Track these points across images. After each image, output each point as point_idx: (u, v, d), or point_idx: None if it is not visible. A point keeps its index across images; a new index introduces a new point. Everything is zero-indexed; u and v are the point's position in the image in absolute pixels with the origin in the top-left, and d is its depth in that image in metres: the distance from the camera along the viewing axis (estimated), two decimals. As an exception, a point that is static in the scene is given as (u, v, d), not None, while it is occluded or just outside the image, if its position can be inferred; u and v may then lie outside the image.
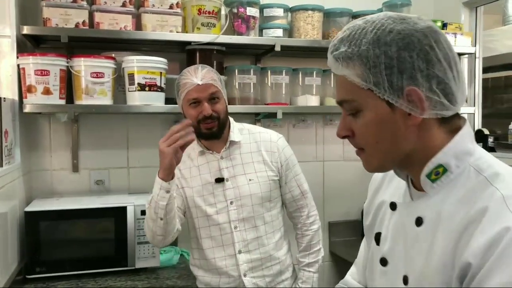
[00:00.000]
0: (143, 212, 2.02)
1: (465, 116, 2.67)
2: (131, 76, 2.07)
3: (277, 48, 2.26)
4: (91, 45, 2.22)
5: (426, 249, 0.83)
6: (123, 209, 2.01)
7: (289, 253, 1.90)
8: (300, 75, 2.49)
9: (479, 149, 0.86)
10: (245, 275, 1.75)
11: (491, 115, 3.21)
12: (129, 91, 2.10)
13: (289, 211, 1.89)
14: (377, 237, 0.98)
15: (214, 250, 1.77)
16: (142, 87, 2.07)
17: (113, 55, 2.13)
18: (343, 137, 0.89)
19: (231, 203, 1.75)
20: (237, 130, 1.81)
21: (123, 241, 2.01)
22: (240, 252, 1.75)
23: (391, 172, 0.99)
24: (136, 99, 2.09)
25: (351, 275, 1.21)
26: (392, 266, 0.92)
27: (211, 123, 1.70)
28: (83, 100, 2.03)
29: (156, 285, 1.92)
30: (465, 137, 0.84)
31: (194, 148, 1.81)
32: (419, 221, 0.85)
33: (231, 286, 1.77)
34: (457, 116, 0.86)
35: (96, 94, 2.03)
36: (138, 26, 2.16)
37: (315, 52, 2.53)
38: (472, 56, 2.67)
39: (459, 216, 0.79)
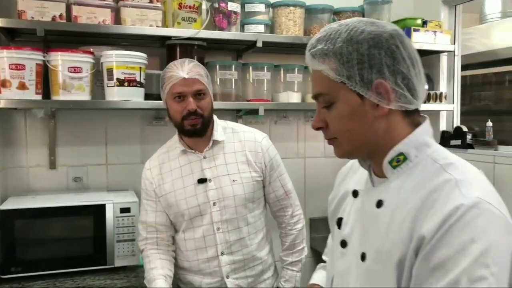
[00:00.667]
0: (122, 210, 1.99)
1: (444, 113, 2.72)
2: (110, 71, 2.03)
3: (259, 44, 2.24)
4: (68, 39, 2.17)
5: (384, 228, 0.91)
6: (102, 207, 1.97)
7: (271, 253, 1.89)
8: (282, 71, 2.47)
9: (436, 144, 0.96)
10: (227, 277, 1.73)
11: (469, 113, 3.25)
12: (107, 86, 2.05)
13: (273, 210, 1.88)
14: (339, 222, 1.07)
15: (197, 252, 1.74)
16: (121, 83, 2.03)
17: (91, 49, 2.09)
18: (317, 129, 0.98)
19: (214, 204, 1.71)
20: (221, 129, 1.78)
21: (101, 239, 1.97)
22: (222, 253, 1.73)
23: (356, 165, 1.10)
24: (115, 94, 2.05)
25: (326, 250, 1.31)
26: (351, 247, 1.01)
27: (195, 120, 1.66)
28: (60, 96, 1.98)
29: (136, 283, 1.89)
30: (425, 131, 0.95)
31: (176, 147, 1.78)
32: (379, 204, 0.95)
33: (213, 286, 1.75)
34: (418, 113, 0.97)
35: (73, 89, 1.98)
36: (117, 20, 2.12)
37: (297, 49, 2.52)
38: (451, 53, 2.70)
39: (415, 197, 0.88)
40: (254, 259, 1.79)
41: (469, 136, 2.50)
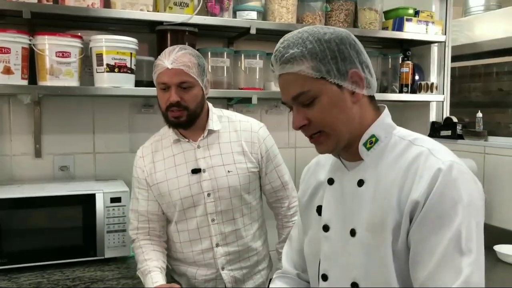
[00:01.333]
0: (112, 200, 1.94)
1: (434, 103, 2.72)
2: (100, 57, 1.96)
3: (253, 31, 2.19)
4: (54, 23, 2.08)
5: (370, 202, 1.01)
6: (92, 197, 1.91)
7: (266, 243, 1.87)
8: (274, 59, 2.43)
9: (396, 125, 1.09)
10: (223, 269, 1.70)
11: (458, 104, 3.28)
12: (97, 72, 1.99)
13: (269, 202, 1.85)
14: (319, 209, 1.13)
15: (191, 243, 1.70)
16: (111, 68, 1.96)
17: (79, 34, 2.01)
18: (300, 128, 1.03)
19: (208, 195, 1.67)
20: (216, 118, 1.73)
21: (91, 230, 1.92)
22: (217, 245, 1.69)
23: (322, 160, 1.20)
24: (105, 80, 1.98)
25: (286, 259, 1.34)
26: (334, 229, 1.08)
27: (178, 112, 1.59)
28: (47, 81, 1.90)
29: (128, 275, 1.84)
30: (387, 115, 1.08)
31: (169, 135, 1.73)
32: (360, 182, 1.04)
33: (208, 278, 1.72)
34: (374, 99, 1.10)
35: (62, 75, 1.91)
36: (106, 3, 2.04)
37: (289, 37, 2.48)
38: (442, 44, 2.70)
39: (394, 170, 0.99)
40: (249, 250, 1.76)
41: (459, 127, 2.52)
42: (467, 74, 3.54)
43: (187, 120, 1.62)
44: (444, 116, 2.70)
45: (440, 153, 0.97)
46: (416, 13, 2.58)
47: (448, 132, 2.54)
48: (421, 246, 0.93)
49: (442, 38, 2.62)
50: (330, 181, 1.12)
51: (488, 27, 3.27)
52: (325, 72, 0.99)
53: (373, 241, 0.99)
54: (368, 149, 1.04)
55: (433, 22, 2.59)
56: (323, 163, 1.20)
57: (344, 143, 1.04)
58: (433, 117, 2.75)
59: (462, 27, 3.41)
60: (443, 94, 2.70)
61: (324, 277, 1.11)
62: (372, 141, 1.04)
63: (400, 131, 1.07)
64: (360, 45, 1.06)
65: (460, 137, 2.50)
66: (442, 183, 0.91)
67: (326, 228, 1.10)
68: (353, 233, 1.03)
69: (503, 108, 3.40)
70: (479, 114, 2.49)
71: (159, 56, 1.63)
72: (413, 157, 0.98)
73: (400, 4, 2.67)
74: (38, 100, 2.12)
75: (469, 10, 3.86)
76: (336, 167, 1.12)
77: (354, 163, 1.08)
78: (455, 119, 2.57)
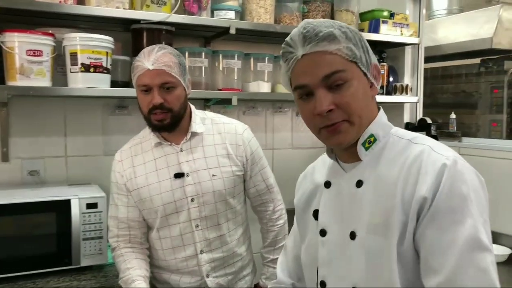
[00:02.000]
0: (89, 206, 1.85)
1: (408, 105, 2.76)
2: (74, 56, 1.87)
3: (232, 31, 2.15)
4: (23, 19, 1.97)
5: (370, 203, 0.97)
6: (67, 203, 1.82)
7: (250, 248, 1.83)
8: (252, 60, 2.40)
9: (392, 125, 1.07)
10: (207, 276, 1.65)
11: (431, 105, 3.35)
12: (71, 72, 1.89)
13: (253, 205, 1.81)
14: (315, 213, 1.09)
15: (174, 250, 1.64)
16: (86, 68, 1.87)
17: (50, 31, 1.91)
18: (328, 112, 0.96)
19: (192, 200, 1.62)
20: (199, 120, 1.68)
21: (66, 238, 1.82)
22: (202, 252, 1.64)
23: (318, 165, 1.18)
24: (79, 81, 1.89)
25: (281, 269, 1.30)
26: (332, 233, 1.04)
27: (161, 114, 1.53)
28: (17, 81, 1.80)
29: (106, 283, 1.77)
30: (383, 114, 1.05)
31: (150, 138, 1.67)
32: (359, 183, 1.00)
33: (192, 286, 1.66)
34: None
35: (33, 74, 1.81)
36: (81, 0, 1.95)
37: (267, 37, 2.46)
38: (415, 46, 2.74)
39: (395, 169, 0.96)
40: (234, 256, 1.72)
41: (433, 128, 2.56)
42: (438, 75, 3.62)
43: (171, 123, 1.57)
44: (418, 117, 2.74)
45: (442, 149, 0.95)
46: (391, 15, 2.60)
47: (423, 134, 2.57)
48: (433, 246, 0.88)
49: (416, 40, 2.66)
50: (327, 184, 1.08)
51: (451, 30, 3.36)
52: (358, 56, 0.97)
53: (375, 242, 0.95)
54: (367, 149, 1.01)
55: (407, 25, 2.63)
56: (319, 168, 1.17)
57: (359, 137, 1.01)
58: (407, 118, 2.79)
59: (426, 29, 3.49)
60: (417, 95, 2.75)
61: (323, 284, 1.06)
62: (371, 141, 1.02)
63: (398, 130, 1.05)
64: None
65: (435, 138, 2.54)
66: (449, 177, 0.89)
67: (323, 232, 1.06)
68: (353, 236, 0.99)
69: (470, 109, 3.50)
70: (453, 115, 2.54)
71: (137, 57, 1.56)
72: (415, 155, 0.95)
73: (375, 6, 2.69)
74: (6, 101, 2.00)
75: (433, 13, 3.96)
76: (333, 169, 1.09)
77: (351, 164, 1.04)
78: (429, 120, 2.62)
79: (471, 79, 3.49)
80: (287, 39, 1.00)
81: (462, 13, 3.75)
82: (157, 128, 1.59)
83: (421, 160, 0.93)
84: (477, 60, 3.47)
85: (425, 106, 2.88)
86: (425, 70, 2.99)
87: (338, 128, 0.97)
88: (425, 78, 2.94)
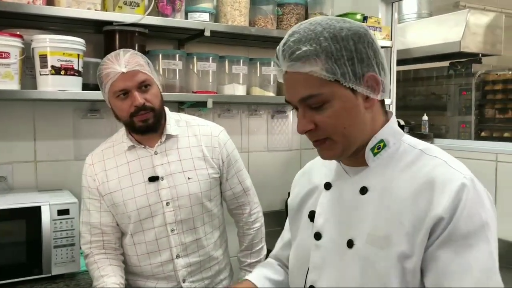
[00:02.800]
0: (60, 212, 1.79)
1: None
2: (43, 58, 1.81)
3: (207, 33, 2.13)
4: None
5: (373, 212, 0.92)
6: (37, 210, 1.76)
7: (227, 251, 1.81)
8: (227, 63, 2.39)
9: (404, 133, 1.02)
10: (184, 281, 1.62)
11: (403, 107, 3.40)
12: (40, 74, 1.83)
13: (229, 208, 1.79)
14: (311, 215, 1.05)
15: (149, 256, 1.60)
16: (56, 71, 1.82)
17: (18, 32, 1.85)
18: (305, 132, 0.94)
19: (167, 204, 1.58)
20: (174, 122, 1.65)
21: (36, 246, 1.76)
22: (178, 256, 1.61)
23: (317, 163, 1.13)
24: (49, 84, 1.83)
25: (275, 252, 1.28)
26: (327, 237, 0.99)
27: (145, 114, 1.51)
28: (-17, 84, 1.73)
29: (79, 292, 1.72)
30: (394, 120, 1.00)
31: (122, 142, 1.63)
32: (363, 190, 0.95)
33: (169, 292, 1.63)
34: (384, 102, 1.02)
35: (0, 77, 1.74)
36: (49, 0, 1.90)
37: (242, 40, 2.45)
38: (388, 49, 2.78)
39: (406, 181, 0.91)
40: (210, 260, 1.70)
41: (406, 130, 2.60)
42: (410, 78, 3.68)
43: (155, 122, 1.55)
44: (391, 119, 2.77)
45: (458, 165, 0.91)
46: (365, 18, 2.63)
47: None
48: (447, 269, 0.84)
49: (388, 43, 2.70)
50: (327, 186, 1.04)
51: (420, 34, 3.43)
52: (339, 74, 0.90)
53: (373, 255, 0.90)
54: (375, 154, 0.97)
55: (380, 28, 2.66)
56: (319, 167, 1.12)
57: (352, 151, 0.96)
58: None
59: (396, 33, 3.55)
60: (390, 98, 2.78)
61: None
62: (380, 146, 0.96)
63: (409, 138, 1.00)
64: (377, 43, 0.96)
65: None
66: (469, 200, 0.85)
67: (318, 236, 1.01)
68: (350, 244, 0.94)
69: (440, 111, 3.58)
70: (425, 117, 2.59)
71: (102, 65, 1.52)
72: (429, 169, 0.90)
73: (348, 9, 2.72)
74: (-29, 105, 1.93)
75: (402, 17, 4.03)
76: (336, 171, 1.04)
77: (356, 168, 0.99)
78: (402, 122, 2.66)
79: (441, 81, 3.56)
80: (278, 47, 0.95)
81: (431, 17, 3.84)
82: (142, 131, 1.56)
83: (436, 175, 0.88)
84: (446, 63, 3.55)
85: (397, 108, 2.92)
86: (398, 72, 3.04)
87: (322, 145, 0.96)
88: (398, 81, 2.99)
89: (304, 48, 0.89)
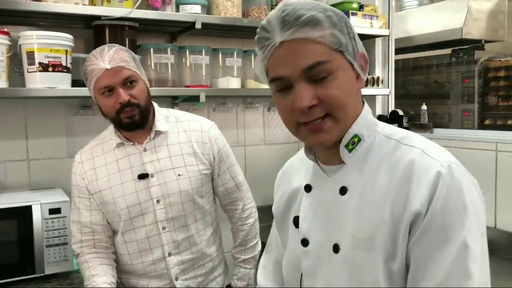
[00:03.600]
0: (51, 211, 1.78)
1: (380, 97, 2.75)
2: (31, 55, 1.78)
3: (198, 26, 2.09)
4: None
5: (355, 213, 0.88)
6: (28, 209, 1.74)
7: (221, 247, 1.78)
8: (220, 55, 2.35)
9: (379, 121, 0.96)
10: (176, 279, 1.60)
11: (402, 97, 3.35)
12: (28, 72, 1.81)
13: (222, 204, 1.76)
14: (296, 221, 1.00)
15: (141, 254, 1.58)
16: (44, 68, 1.79)
17: (5, 29, 1.82)
18: (310, 107, 0.85)
19: (158, 201, 1.56)
20: (163, 118, 1.62)
21: (28, 245, 1.75)
22: (170, 254, 1.58)
23: (295, 164, 1.09)
24: (37, 81, 1.81)
25: (263, 274, 1.19)
26: (314, 243, 0.94)
27: (131, 111, 1.48)
28: (-30, 83, 1.71)
29: (72, 292, 1.70)
30: (368, 110, 0.94)
31: (111, 139, 1.60)
32: (343, 190, 0.90)
33: (162, 289, 1.61)
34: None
35: (-13, 75, 1.72)
36: (36, -4, 1.87)
37: (235, 32, 2.41)
38: (385, 38, 2.72)
39: (384, 176, 0.86)
40: (204, 257, 1.67)
41: (405, 120, 2.55)
42: (409, 66, 3.63)
43: (142, 118, 1.52)
44: (390, 110, 2.73)
45: (435, 153, 0.85)
46: (361, 7, 2.58)
47: (395, 126, 2.56)
48: (422, 263, 0.80)
49: (386, 32, 2.64)
50: (308, 188, 0.98)
51: (422, 22, 3.37)
52: (344, 44, 0.85)
53: (359, 259, 0.86)
54: (350, 150, 0.91)
55: (377, 16, 2.60)
56: (298, 167, 1.07)
57: (340, 137, 0.90)
58: (379, 110, 2.77)
59: (397, 21, 3.50)
60: (388, 87, 2.73)
61: None
62: (355, 142, 0.90)
63: (384, 128, 0.94)
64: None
65: (407, 129, 2.54)
66: (444, 188, 0.80)
67: (305, 242, 0.96)
68: (336, 249, 0.89)
69: (442, 99, 3.52)
70: (424, 107, 2.54)
71: (87, 62, 1.49)
72: (405, 160, 0.85)
73: (343, -2, 2.66)
74: (-40, 104, 1.91)
75: (403, 5, 3.97)
76: (314, 171, 0.98)
77: (333, 167, 0.94)
78: (401, 112, 2.61)
79: (441, 69, 3.50)
80: (263, 22, 0.88)
81: (432, 4, 3.77)
82: (129, 127, 1.53)
83: (413, 167, 0.83)
84: (447, 51, 3.49)
85: (397, 97, 2.88)
86: (396, 61, 2.98)
87: (321, 127, 0.87)
88: (396, 70, 2.94)
89: (309, 14, 0.84)
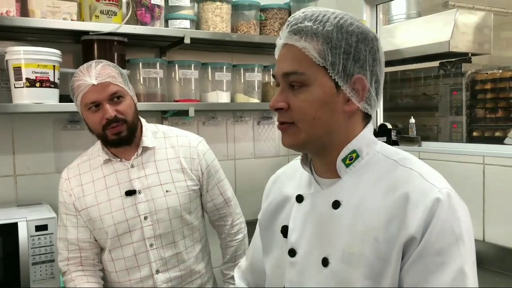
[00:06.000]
0: (38, 228, 1.75)
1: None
2: (18, 70, 1.77)
3: (187, 41, 2.09)
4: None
5: (347, 228, 0.88)
6: (14, 226, 1.71)
7: (210, 264, 1.77)
8: (210, 70, 2.35)
9: (379, 141, 0.97)
10: None
11: (391, 109, 3.37)
12: (15, 87, 1.79)
13: (211, 220, 1.75)
14: (284, 230, 0.99)
15: (129, 272, 1.57)
16: (31, 83, 1.78)
17: (-7, 45, 1.82)
18: (277, 109, 0.91)
19: (145, 218, 1.55)
20: (151, 134, 1.61)
21: (14, 263, 1.71)
22: (158, 272, 1.57)
23: (289, 171, 1.09)
24: (25, 96, 1.79)
25: (239, 275, 1.21)
26: (302, 255, 0.94)
27: (118, 127, 1.48)
28: (-44, 99, 1.69)
29: (58, 310, 1.68)
30: (370, 129, 0.95)
31: (98, 155, 1.60)
32: (336, 204, 0.90)
33: (149, 307, 1.59)
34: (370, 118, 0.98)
35: (-27, 91, 1.71)
36: (24, 11, 1.86)
37: (224, 46, 2.42)
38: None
39: (380, 195, 0.87)
40: (192, 274, 1.66)
41: (393, 133, 2.57)
42: (397, 79, 3.66)
43: (129, 134, 1.51)
44: (379, 123, 2.74)
45: (433, 178, 0.86)
46: (349, 21, 2.60)
47: (384, 139, 2.58)
48: (419, 285, 0.81)
49: (374, 46, 2.66)
50: (299, 198, 0.98)
51: (409, 35, 3.40)
52: (330, 62, 0.87)
53: (348, 274, 0.86)
54: (347, 166, 0.92)
55: (365, 31, 2.63)
56: (290, 175, 1.07)
57: (315, 148, 0.93)
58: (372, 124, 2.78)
59: (385, 34, 3.53)
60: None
61: None
62: (353, 157, 0.92)
63: (383, 147, 0.95)
64: (382, 56, 0.93)
65: (395, 143, 2.55)
66: (442, 215, 0.81)
67: (292, 252, 0.96)
68: (325, 262, 0.89)
69: (430, 111, 3.55)
70: (412, 120, 2.55)
71: (74, 77, 1.49)
72: (403, 182, 0.86)
73: (332, 12, 2.69)
74: None
75: (392, 18, 4.02)
76: (307, 182, 0.99)
77: (328, 180, 0.95)
78: (389, 126, 2.62)
79: (429, 82, 3.54)
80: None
81: (420, 17, 3.82)
82: (115, 144, 1.52)
83: (410, 190, 0.84)
84: (435, 63, 3.53)
85: (385, 110, 2.89)
86: (384, 74, 3.01)
87: (284, 130, 0.92)
88: (385, 83, 2.96)
89: (306, 24, 0.88)
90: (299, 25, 0.89)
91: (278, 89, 0.94)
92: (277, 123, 0.95)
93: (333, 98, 0.88)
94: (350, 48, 0.87)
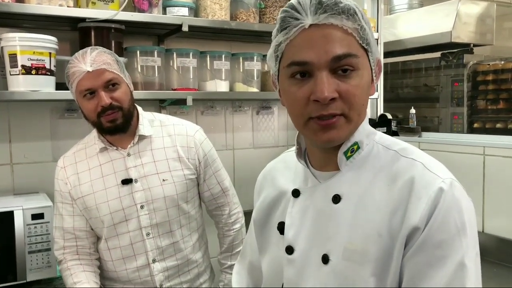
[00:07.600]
0: (34, 217, 1.74)
1: (369, 101, 2.75)
2: (13, 57, 1.75)
3: (185, 28, 2.06)
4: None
5: (349, 223, 0.84)
6: (9, 214, 1.70)
7: (207, 253, 1.76)
8: (208, 58, 2.32)
9: (377, 131, 0.93)
10: (161, 286, 1.57)
11: (392, 100, 3.34)
12: (10, 74, 1.77)
13: (208, 210, 1.74)
14: (281, 227, 0.94)
15: (125, 261, 1.56)
16: (27, 70, 1.76)
17: (-12, 31, 1.79)
18: (330, 100, 0.80)
19: (142, 207, 1.53)
20: (147, 122, 1.59)
21: (9, 252, 1.71)
22: (154, 261, 1.56)
23: (280, 166, 1.04)
24: (20, 84, 1.77)
25: (237, 280, 1.15)
26: (300, 252, 0.90)
27: (113, 114, 1.46)
28: (-50, 86, 1.67)
29: (54, 299, 1.67)
30: (367, 119, 0.90)
31: (94, 143, 1.58)
32: (336, 198, 0.86)
33: (145, 297, 1.58)
34: None
35: (-32, 78, 1.69)
36: (20, -3, 1.84)
37: (223, 34, 2.39)
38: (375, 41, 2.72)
39: (381, 188, 0.83)
40: (189, 263, 1.65)
41: (393, 124, 2.55)
42: (398, 70, 3.63)
43: (124, 122, 1.49)
44: (379, 113, 2.72)
45: (437, 169, 0.83)
46: (349, 10, 2.57)
47: (384, 129, 2.56)
48: (416, 280, 0.78)
49: (375, 35, 2.63)
50: (296, 193, 0.93)
51: (411, 25, 3.37)
52: (371, 43, 0.83)
53: (350, 271, 0.82)
54: (348, 158, 0.87)
55: (366, 20, 2.60)
56: (283, 169, 1.02)
57: (346, 139, 0.86)
58: (367, 114, 2.77)
59: (387, 24, 3.50)
60: (377, 91, 2.73)
61: None
62: (354, 149, 0.87)
63: (382, 137, 0.91)
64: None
65: (395, 133, 2.53)
66: (445, 205, 0.78)
67: (290, 250, 0.91)
68: (325, 259, 0.85)
69: (431, 102, 3.53)
70: (412, 111, 2.53)
71: (69, 64, 1.47)
72: (405, 173, 0.83)
73: (333, 1, 2.66)
74: None
75: (393, 8, 3.98)
76: (304, 176, 0.94)
77: (327, 173, 0.90)
78: (389, 116, 2.60)
79: (431, 73, 3.51)
80: (293, 1, 0.82)
81: (422, 7, 3.78)
82: (110, 131, 1.50)
83: (413, 181, 0.81)
84: (437, 54, 3.49)
85: (386, 101, 2.87)
86: (385, 65, 2.99)
87: (334, 124, 0.81)
88: (385, 73, 2.94)
89: (347, 2, 0.81)
90: (341, 5, 0.80)
91: (291, 80, 0.84)
92: (308, 118, 0.83)
93: (370, 82, 0.85)
94: (370, 30, 0.84)
